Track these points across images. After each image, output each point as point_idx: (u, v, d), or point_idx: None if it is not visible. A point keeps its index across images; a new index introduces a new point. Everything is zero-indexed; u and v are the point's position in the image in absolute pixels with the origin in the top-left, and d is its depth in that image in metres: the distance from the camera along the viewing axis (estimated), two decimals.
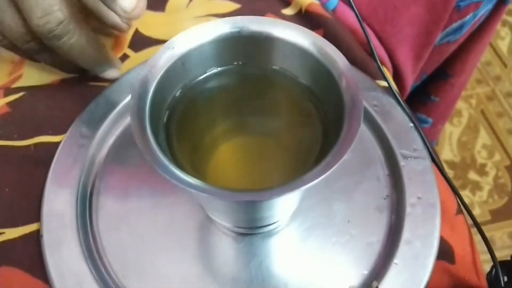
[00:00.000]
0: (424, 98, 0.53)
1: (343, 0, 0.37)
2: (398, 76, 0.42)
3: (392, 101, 0.30)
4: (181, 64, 0.21)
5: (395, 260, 0.24)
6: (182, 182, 0.17)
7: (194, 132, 0.22)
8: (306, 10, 0.35)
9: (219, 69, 0.23)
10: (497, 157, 0.95)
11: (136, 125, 0.18)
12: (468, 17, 0.40)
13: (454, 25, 0.40)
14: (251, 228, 0.25)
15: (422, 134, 0.28)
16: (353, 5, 0.31)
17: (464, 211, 0.28)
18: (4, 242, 0.26)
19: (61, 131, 0.29)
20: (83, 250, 0.24)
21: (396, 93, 0.30)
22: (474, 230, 0.28)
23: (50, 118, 0.30)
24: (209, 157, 0.22)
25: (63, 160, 0.27)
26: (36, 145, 0.29)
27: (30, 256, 0.25)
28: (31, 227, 0.26)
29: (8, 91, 0.32)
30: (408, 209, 0.25)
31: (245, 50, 0.23)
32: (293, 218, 0.26)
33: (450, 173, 0.93)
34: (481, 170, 0.94)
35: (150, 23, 0.35)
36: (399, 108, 0.30)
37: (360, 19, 0.31)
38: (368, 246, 0.25)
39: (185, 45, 0.21)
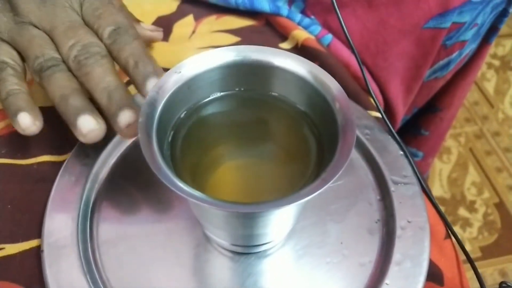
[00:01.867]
0: (415, 131, 0.55)
1: (337, 36, 0.39)
2: (389, 109, 0.44)
3: (383, 130, 0.32)
4: (187, 87, 0.23)
5: (386, 280, 0.25)
6: (185, 193, 0.18)
7: (196, 151, 0.24)
8: (302, 44, 0.37)
9: (222, 93, 0.25)
10: (486, 194, 0.97)
11: (144, 140, 0.20)
12: (454, 54, 0.43)
13: (442, 62, 0.43)
14: (247, 247, 0.26)
15: (412, 161, 0.30)
16: (349, 38, 0.33)
17: (453, 238, 0.29)
18: (3, 257, 0.26)
19: (64, 151, 0.30)
20: (82, 265, 0.25)
21: (387, 121, 0.31)
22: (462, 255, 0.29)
23: (54, 139, 0.31)
24: (209, 176, 0.23)
25: (66, 178, 0.28)
26: (39, 164, 0.30)
27: (29, 271, 0.26)
28: (31, 243, 0.27)
29: None
30: (398, 232, 0.26)
31: (247, 77, 0.24)
32: (288, 239, 0.27)
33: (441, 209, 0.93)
34: (471, 207, 0.95)
35: (154, 52, 0.37)
36: (389, 137, 0.31)
37: (355, 50, 0.33)
38: (360, 267, 0.26)
39: (191, 70, 0.23)
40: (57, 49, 0.28)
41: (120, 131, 0.25)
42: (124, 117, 0.25)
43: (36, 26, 0.28)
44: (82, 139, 0.25)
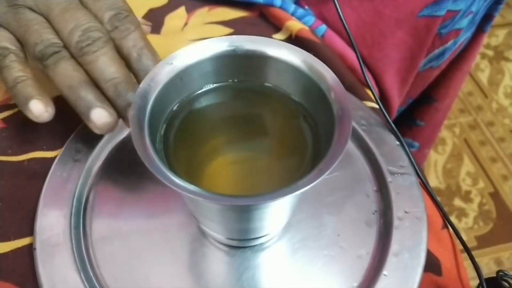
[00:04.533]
0: (410, 122, 0.55)
1: (332, 27, 0.39)
2: (384, 100, 0.44)
3: (379, 120, 0.31)
4: (179, 79, 0.22)
5: (384, 272, 0.24)
6: (179, 187, 0.18)
7: (189, 145, 0.23)
8: (296, 35, 0.37)
9: (215, 85, 0.24)
10: (481, 184, 0.97)
11: (136, 134, 0.19)
12: (449, 43, 0.42)
13: (437, 51, 0.43)
14: (243, 241, 0.25)
15: (408, 151, 0.29)
16: (347, 28, 0.32)
17: (450, 228, 0.29)
18: None
19: (56, 147, 0.30)
20: (76, 262, 0.24)
21: (384, 111, 0.31)
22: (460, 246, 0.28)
23: (45, 134, 0.30)
24: (204, 169, 0.23)
25: (58, 174, 0.27)
26: (30, 160, 0.29)
27: (21, 269, 0.25)
28: (23, 241, 0.26)
29: (3, 107, 0.32)
30: (396, 223, 0.26)
31: (240, 68, 0.24)
32: (284, 232, 0.26)
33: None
34: (466, 197, 0.95)
35: None
36: (386, 127, 0.31)
37: (353, 40, 0.33)
38: (358, 259, 0.25)
39: (183, 61, 0.22)
40: (56, 33, 0.27)
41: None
42: None
43: (31, 9, 0.27)
44: (97, 131, 0.26)
